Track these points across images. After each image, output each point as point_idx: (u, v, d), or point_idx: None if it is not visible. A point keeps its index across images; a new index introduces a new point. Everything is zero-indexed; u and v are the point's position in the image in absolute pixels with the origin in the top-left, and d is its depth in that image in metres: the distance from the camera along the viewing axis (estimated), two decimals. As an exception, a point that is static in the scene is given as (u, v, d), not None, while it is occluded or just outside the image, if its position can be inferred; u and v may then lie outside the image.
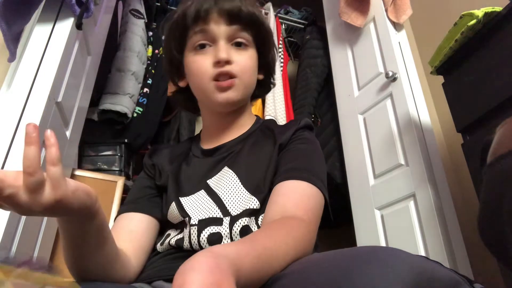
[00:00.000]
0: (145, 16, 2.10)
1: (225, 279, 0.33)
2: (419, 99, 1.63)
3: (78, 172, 1.52)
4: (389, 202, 1.54)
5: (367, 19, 1.86)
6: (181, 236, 0.65)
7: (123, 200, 1.53)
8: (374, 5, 1.84)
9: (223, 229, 0.62)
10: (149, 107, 1.95)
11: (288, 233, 0.53)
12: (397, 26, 1.80)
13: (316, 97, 2.24)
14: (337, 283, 0.34)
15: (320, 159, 0.72)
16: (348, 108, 1.89)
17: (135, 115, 1.88)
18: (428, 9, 1.90)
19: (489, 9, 1.12)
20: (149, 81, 2.00)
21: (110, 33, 1.75)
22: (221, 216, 0.64)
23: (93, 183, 1.52)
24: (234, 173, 0.69)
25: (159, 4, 2.27)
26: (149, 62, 2.06)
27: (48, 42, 1.18)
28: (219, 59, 0.70)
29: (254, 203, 0.65)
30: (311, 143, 0.73)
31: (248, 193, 0.66)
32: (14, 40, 1.09)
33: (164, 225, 0.73)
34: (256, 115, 0.86)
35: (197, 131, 2.11)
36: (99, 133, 1.81)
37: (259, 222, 0.64)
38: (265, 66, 0.82)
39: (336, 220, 1.90)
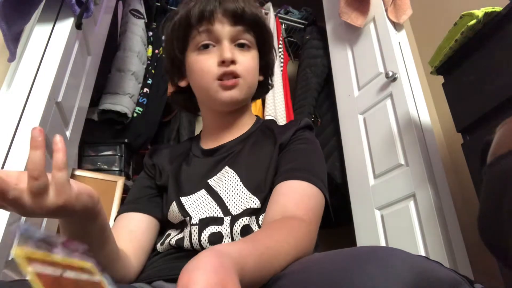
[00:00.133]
0: (145, 16, 2.10)
1: (230, 278, 0.33)
2: (419, 99, 1.63)
3: (78, 172, 1.52)
4: (389, 202, 1.54)
5: (367, 19, 1.86)
6: (182, 236, 0.65)
7: (123, 200, 1.53)
8: (374, 5, 1.84)
9: (224, 229, 0.62)
10: (149, 107, 1.95)
11: (289, 233, 0.53)
12: (397, 26, 1.80)
13: (316, 97, 2.24)
14: (337, 282, 0.35)
15: (320, 159, 0.73)
16: (348, 108, 1.89)
17: (135, 115, 1.88)
18: (428, 9, 1.90)
19: (489, 9, 1.12)
20: (149, 81, 2.00)
21: (110, 33, 1.75)
22: (222, 216, 0.64)
23: (93, 183, 1.52)
24: (234, 173, 0.70)
25: (159, 4, 2.27)
26: (149, 62, 2.06)
27: (48, 42, 1.18)
28: (224, 59, 0.70)
29: (254, 203, 0.65)
30: (311, 143, 0.73)
31: (249, 192, 0.66)
32: (14, 40, 1.09)
33: (164, 225, 0.73)
34: (256, 115, 0.86)
35: (197, 131, 2.11)
36: (99, 133, 1.81)
37: (260, 222, 0.64)
38: (265, 68, 0.82)
39: (336, 220, 1.90)
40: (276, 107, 2.07)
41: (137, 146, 1.88)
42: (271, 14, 2.41)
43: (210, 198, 0.67)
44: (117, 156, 1.76)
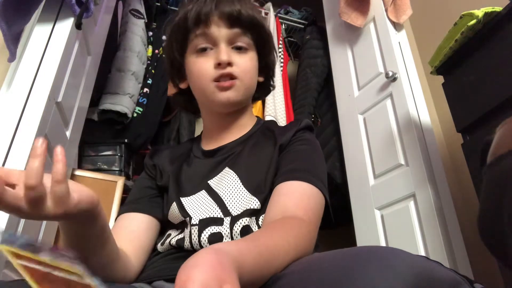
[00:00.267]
0: (145, 16, 2.10)
1: (228, 275, 0.33)
2: (419, 99, 1.63)
3: (78, 172, 1.52)
4: (389, 202, 1.54)
5: (367, 19, 1.86)
6: (182, 236, 0.65)
7: (123, 200, 1.53)
8: (374, 5, 1.84)
9: (224, 229, 0.63)
10: (149, 107, 1.95)
11: (288, 233, 0.53)
12: (397, 26, 1.80)
13: (316, 97, 2.24)
14: (337, 282, 0.35)
15: (320, 160, 0.73)
16: (348, 108, 1.89)
17: (135, 115, 1.88)
18: (428, 9, 1.90)
19: (489, 9, 1.12)
20: (149, 81, 2.00)
21: (110, 33, 1.75)
22: (222, 216, 0.64)
23: (93, 183, 1.52)
24: (235, 174, 0.70)
25: (159, 4, 2.26)
26: (149, 62, 2.06)
27: (48, 42, 1.18)
28: (220, 61, 0.71)
29: (254, 203, 0.65)
30: (311, 144, 0.74)
31: (249, 193, 0.67)
32: (14, 40, 1.09)
33: (165, 225, 0.73)
34: (256, 116, 0.86)
35: (197, 131, 2.11)
36: (99, 133, 1.81)
37: (260, 223, 0.65)
38: (265, 69, 0.82)
39: (336, 220, 1.90)
40: (276, 107, 2.07)
41: (137, 146, 1.88)
42: (271, 14, 2.41)
43: (210, 199, 0.68)
44: (117, 156, 1.76)
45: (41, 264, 0.30)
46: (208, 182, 0.71)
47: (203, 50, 0.74)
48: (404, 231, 1.45)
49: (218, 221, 0.64)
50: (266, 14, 2.40)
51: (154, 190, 0.77)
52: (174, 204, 0.69)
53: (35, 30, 1.19)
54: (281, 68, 2.28)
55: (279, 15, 2.55)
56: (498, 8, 1.12)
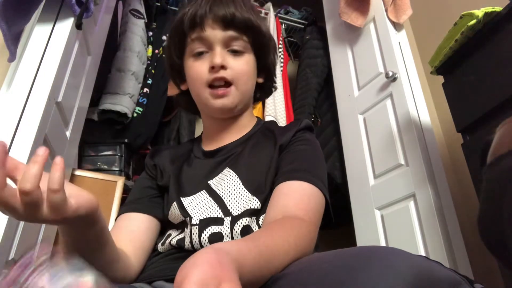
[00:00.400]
0: (145, 16, 2.10)
1: (226, 273, 0.33)
2: (419, 99, 1.63)
3: (78, 172, 1.52)
4: (389, 202, 1.54)
5: (367, 19, 1.86)
6: (182, 236, 0.65)
7: (123, 200, 1.53)
8: (374, 5, 1.84)
9: (224, 229, 0.63)
10: (149, 107, 1.95)
11: (289, 233, 0.53)
12: (397, 26, 1.80)
13: (316, 97, 2.24)
14: (337, 282, 0.35)
15: (320, 160, 0.73)
16: (348, 108, 1.89)
17: (135, 115, 1.88)
18: (428, 9, 1.90)
19: (489, 9, 1.12)
20: (149, 81, 2.00)
21: (110, 33, 1.74)
22: (222, 216, 0.64)
23: (93, 183, 1.52)
24: (235, 174, 0.70)
25: (159, 4, 2.26)
26: (149, 62, 2.05)
27: (48, 42, 1.18)
28: (214, 64, 0.71)
29: (255, 203, 0.65)
30: (311, 144, 0.74)
31: (249, 193, 0.67)
32: (14, 40, 1.09)
33: (165, 226, 0.74)
34: (257, 117, 0.86)
35: (197, 131, 2.11)
36: (99, 133, 1.81)
37: (260, 222, 0.65)
38: (265, 70, 0.82)
39: (336, 220, 1.90)
40: (276, 107, 2.07)
41: (137, 146, 1.88)
42: (271, 14, 2.41)
43: (211, 199, 0.68)
44: (117, 156, 1.76)
45: None
46: (209, 182, 0.71)
47: (200, 54, 0.74)
48: (404, 231, 1.45)
49: (218, 221, 0.64)
50: (266, 14, 2.40)
51: (155, 190, 0.77)
52: (175, 204, 0.69)
53: (35, 30, 1.19)
54: (281, 68, 2.28)
55: (279, 15, 2.55)
56: (498, 8, 1.12)
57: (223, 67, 0.71)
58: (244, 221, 0.63)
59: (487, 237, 0.45)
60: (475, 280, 0.39)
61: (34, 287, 0.31)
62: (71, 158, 1.46)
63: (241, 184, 0.68)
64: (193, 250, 0.63)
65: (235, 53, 0.74)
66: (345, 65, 1.97)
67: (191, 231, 0.64)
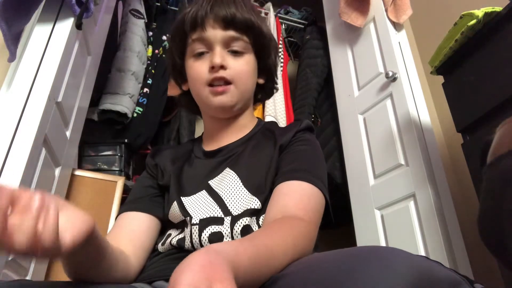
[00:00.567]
0: (145, 16, 2.10)
1: (218, 274, 0.33)
2: (419, 99, 1.63)
3: (78, 172, 1.52)
4: (389, 202, 1.54)
5: (367, 19, 1.86)
6: (182, 236, 0.65)
7: (123, 200, 1.53)
8: (374, 5, 1.84)
9: (224, 229, 0.63)
10: (149, 107, 1.95)
11: (288, 233, 0.53)
12: (397, 26, 1.80)
13: (316, 97, 2.24)
14: (337, 282, 0.35)
15: (320, 160, 0.73)
16: (348, 108, 1.89)
17: (135, 115, 1.88)
18: (428, 9, 1.90)
19: (489, 9, 1.12)
20: (149, 81, 2.00)
21: (110, 33, 1.75)
22: (222, 216, 0.64)
23: (93, 183, 1.52)
24: (235, 174, 0.70)
25: (159, 4, 2.26)
26: (149, 62, 2.06)
27: (48, 42, 1.18)
28: (214, 64, 0.71)
29: (255, 203, 0.65)
30: (311, 144, 0.74)
31: (249, 193, 0.67)
32: (14, 40, 1.09)
33: (165, 225, 0.74)
34: (257, 117, 0.86)
35: (197, 131, 2.11)
36: (99, 133, 1.81)
37: (260, 222, 0.65)
38: (266, 70, 0.82)
39: (336, 220, 1.90)
40: (276, 107, 2.07)
41: (137, 146, 1.88)
42: (271, 14, 2.41)
43: (211, 199, 0.68)
44: (117, 156, 1.76)
45: None
46: (209, 182, 0.71)
47: (200, 54, 0.75)
48: (404, 231, 1.45)
49: (218, 221, 0.64)
50: (266, 14, 2.41)
51: (155, 189, 0.77)
52: (175, 204, 0.70)
53: (35, 30, 1.19)
54: (281, 68, 2.28)
55: (279, 15, 2.55)
56: (498, 8, 1.12)
57: (222, 67, 0.72)
58: (244, 221, 0.63)
59: (487, 237, 0.45)
60: (475, 280, 0.39)
61: None
62: (71, 158, 1.46)
63: (241, 184, 0.68)
64: (193, 250, 0.63)
65: (235, 53, 0.75)
66: (345, 65, 1.97)
67: (191, 231, 0.64)
